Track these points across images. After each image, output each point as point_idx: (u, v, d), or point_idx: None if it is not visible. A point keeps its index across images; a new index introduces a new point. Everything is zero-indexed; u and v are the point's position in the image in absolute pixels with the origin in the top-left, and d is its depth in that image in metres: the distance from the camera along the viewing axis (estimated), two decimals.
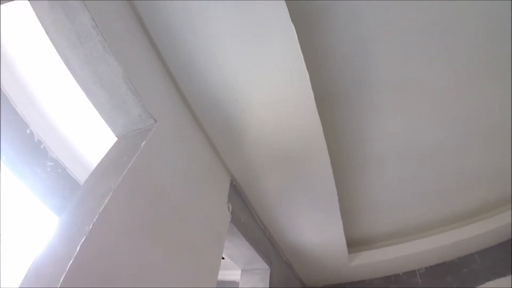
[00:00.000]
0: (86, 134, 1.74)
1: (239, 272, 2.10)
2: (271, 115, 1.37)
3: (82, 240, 0.66)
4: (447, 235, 2.52)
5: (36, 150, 1.65)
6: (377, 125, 1.80)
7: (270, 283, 1.93)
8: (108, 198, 0.75)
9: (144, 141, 0.95)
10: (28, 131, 1.60)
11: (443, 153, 1.96)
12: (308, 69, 1.20)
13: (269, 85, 1.28)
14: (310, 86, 1.25)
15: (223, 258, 3.09)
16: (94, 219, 0.70)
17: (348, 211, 2.28)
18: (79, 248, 0.65)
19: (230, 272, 3.09)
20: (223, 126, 1.42)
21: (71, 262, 0.62)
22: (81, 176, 1.80)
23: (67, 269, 0.61)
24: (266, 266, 1.98)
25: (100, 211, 0.72)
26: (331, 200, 1.79)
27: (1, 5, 1.11)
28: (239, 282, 2.07)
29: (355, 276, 2.82)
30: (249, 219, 1.82)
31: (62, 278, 0.60)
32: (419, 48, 1.47)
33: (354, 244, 2.74)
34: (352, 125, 1.78)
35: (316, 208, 1.90)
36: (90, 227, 0.69)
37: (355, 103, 1.67)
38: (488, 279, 2.30)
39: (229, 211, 1.52)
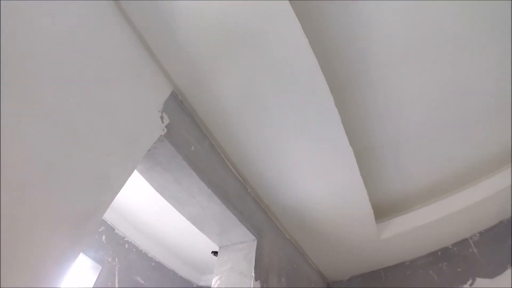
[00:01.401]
0: None
1: None
2: None
3: None
4: (499, 179, 1.87)
5: None
6: (371, 12, 1.26)
7: (257, 260, 1.27)
8: None
9: None
10: None
11: (470, 51, 1.34)
12: None
13: None
14: None
15: (215, 252, 2.29)
16: None
17: (359, 162, 1.65)
18: None
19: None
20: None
21: None
22: None
23: None
24: (251, 237, 1.34)
25: None
26: (325, 104, 1.19)
27: None
28: None
29: (391, 257, 2.10)
30: (208, 151, 1.24)
31: None
32: None
33: (381, 213, 2.05)
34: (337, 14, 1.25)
35: (307, 125, 1.28)
36: None
37: None
38: None
39: (162, 122, 0.98)
